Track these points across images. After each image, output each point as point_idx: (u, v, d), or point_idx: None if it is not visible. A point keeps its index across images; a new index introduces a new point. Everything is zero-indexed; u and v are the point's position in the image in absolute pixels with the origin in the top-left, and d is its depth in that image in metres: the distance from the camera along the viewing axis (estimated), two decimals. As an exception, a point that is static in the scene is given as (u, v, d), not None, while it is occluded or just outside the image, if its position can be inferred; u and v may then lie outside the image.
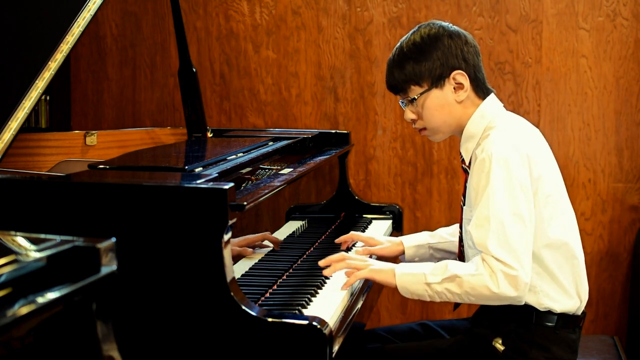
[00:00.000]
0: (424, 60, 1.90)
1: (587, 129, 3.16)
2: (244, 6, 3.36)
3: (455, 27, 1.95)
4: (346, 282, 1.87)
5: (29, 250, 1.15)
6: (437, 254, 2.18)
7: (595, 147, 3.16)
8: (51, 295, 1.04)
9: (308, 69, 3.33)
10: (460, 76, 1.90)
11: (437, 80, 1.90)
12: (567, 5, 3.13)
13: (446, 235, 2.18)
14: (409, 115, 1.97)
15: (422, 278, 1.80)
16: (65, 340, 1.10)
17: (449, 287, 1.78)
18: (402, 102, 1.98)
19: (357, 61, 3.29)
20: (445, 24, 1.95)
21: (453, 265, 1.80)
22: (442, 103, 1.91)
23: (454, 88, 1.91)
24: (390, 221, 2.73)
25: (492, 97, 1.95)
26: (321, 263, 1.93)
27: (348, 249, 2.22)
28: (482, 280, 1.75)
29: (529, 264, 1.77)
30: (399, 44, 1.96)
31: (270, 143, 2.45)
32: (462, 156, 1.96)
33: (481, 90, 1.94)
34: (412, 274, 1.82)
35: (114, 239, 1.16)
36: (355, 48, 3.29)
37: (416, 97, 1.92)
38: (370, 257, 2.15)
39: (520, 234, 1.76)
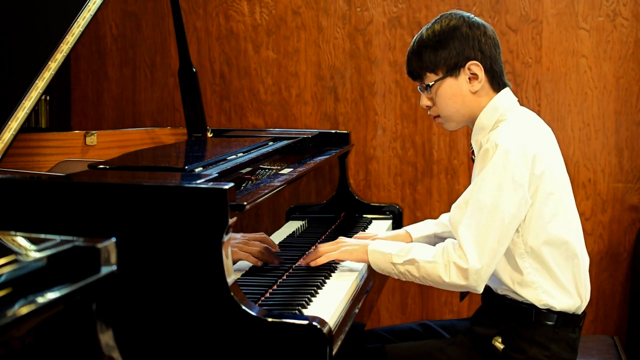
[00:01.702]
0: (441, 49, 1.92)
1: (587, 129, 3.16)
2: (244, 6, 3.36)
3: (477, 19, 1.97)
4: (316, 260, 1.96)
5: (29, 250, 1.15)
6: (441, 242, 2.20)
7: (595, 147, 3.16)
8: (51, 295, 1.04)
9: (308, 69, 3.33)
10: (475, 67, 1.91)
11: (452, 69, 1.92)
12: (567, 5, 3.14)
13: (449, 223, 2.20)
14: (424, 101, 1.99)
15: (389, 257, 1.89)
16: (65, 341, 1.10)
17: (409, 269, 1.86)
18: (420, 89, 2.00)
19: (357, 61, 3.29)
20: (466, 14, 1.97)
21: (415, 249, 1.87)
22: (455, 92, 1.93)
23: (469, 78, 1.92)
24: (390, 221, 2.73)
25: (506, 91, 1.96)
26: (303, 264, 2.01)
27: None
28: (436, 268, 1.81)
29: (492, 257, 1.80)
30: (420, 32, 1.99)
31: (270, 143, 2.45)
32: (472, 147, 1.98)
33: (497, 82, 1.95)
34: (381, 252, 1.91)
35: (114, 239, 1.16)
36: (355, 48, 3.29)
37: (431, 84, 1.94)
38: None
39: (492, 226, 1.79)
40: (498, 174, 1.79)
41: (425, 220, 2.28)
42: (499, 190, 1.79)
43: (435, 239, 2.20)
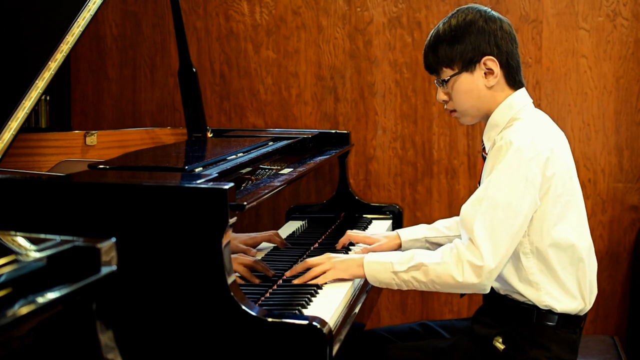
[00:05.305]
0: (457, 44, 1.91)
1: (587, 129, 3.16)
2: (244, 6, 3.36)
3: (494, 13, 1.95)
4: (304, 278, 1.89)
5: (29, 250, 1.15)
6: (432, 248, 2.19)
7: (595, 147, 3.16)
8: (51, 295, 1.04)
9: (308, 69, 3.33)
10: (491, 62, 1.90)
11: (468, 64, 1.91)
12: (567, 5, 3.13)
13: (443, 229, 2.20)
14: (441, 96, 1.98)
15: (389, 267, 1.84)
16: (65, 341, 1.10)
17: (415, 275, 1.81)
18: (437, 82, 1.99)
19: (357, 61, 3.29)
20: (483, 8, 1.95)
21: (420, 254, 1.83)
22: (471, 87, 1.92)
23: (485, 73, 1.91)
24: (390, 221, 2.73)
25: (523, 91, 1.96)
26: (288, 274, 1.94)
27: (347, 249, 2.22)
28: (447, 269, 1.78)
29: (505, 255, 1.78)
30: (437, 26, 1.98)
31: (270, 143, 2.45)
32: (483, 144, 1.97)
33: (513, 78, 1.93)
34: (379, 262, 1.86)
35: (114, 239, 1.16)
36: (355, 48, 3.29)
37: (447, 79, 1.93)
38: (348, 248, 2.19)
39: (506, 224, 1.77)
40: (512, 173, 1.79)
41: (419, 225, 2.26)
42: (512, 189, 1.78)
43: (426, 244, 2.19)
